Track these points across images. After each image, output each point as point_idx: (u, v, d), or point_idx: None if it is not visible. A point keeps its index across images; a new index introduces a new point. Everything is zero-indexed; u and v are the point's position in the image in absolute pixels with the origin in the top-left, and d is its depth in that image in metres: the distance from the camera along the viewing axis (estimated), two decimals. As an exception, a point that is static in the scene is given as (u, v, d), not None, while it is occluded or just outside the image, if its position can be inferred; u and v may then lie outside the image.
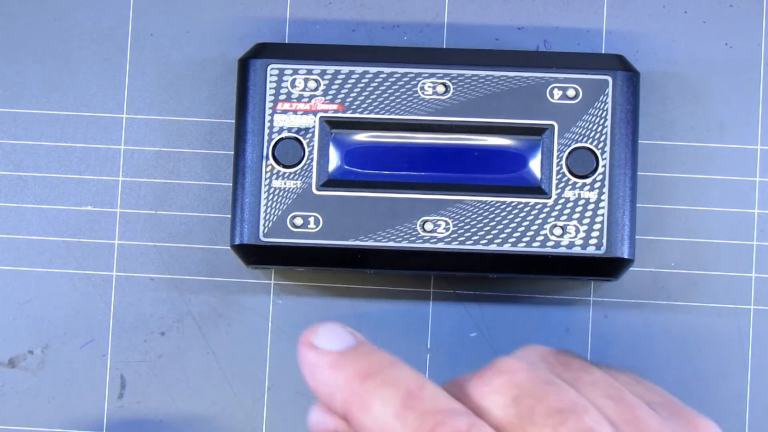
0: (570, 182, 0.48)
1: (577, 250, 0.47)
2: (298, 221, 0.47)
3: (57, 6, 0.51)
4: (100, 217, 0.51)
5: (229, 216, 0.50)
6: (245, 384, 0.51)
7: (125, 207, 0.51)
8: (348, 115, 0.48)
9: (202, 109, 0.51)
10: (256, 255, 0.48)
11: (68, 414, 0.51)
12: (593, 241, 0.47)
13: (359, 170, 0.48)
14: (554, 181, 0.48)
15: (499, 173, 0.48)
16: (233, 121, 0.50)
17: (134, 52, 0.51)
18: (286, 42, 0.50)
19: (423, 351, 0.51)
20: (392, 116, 0.48)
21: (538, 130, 0.48)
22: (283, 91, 0.48)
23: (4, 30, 0.51)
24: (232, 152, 0.49)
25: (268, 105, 0.48)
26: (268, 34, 0.51)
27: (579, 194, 0.47)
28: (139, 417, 0.51)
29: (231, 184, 0.49)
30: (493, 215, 0.47)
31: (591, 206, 0.47)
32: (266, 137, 0.48)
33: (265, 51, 0.48)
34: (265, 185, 0.48)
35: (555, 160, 0.48)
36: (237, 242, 0.48)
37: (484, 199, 0.47)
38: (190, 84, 0.51)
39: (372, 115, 0.48)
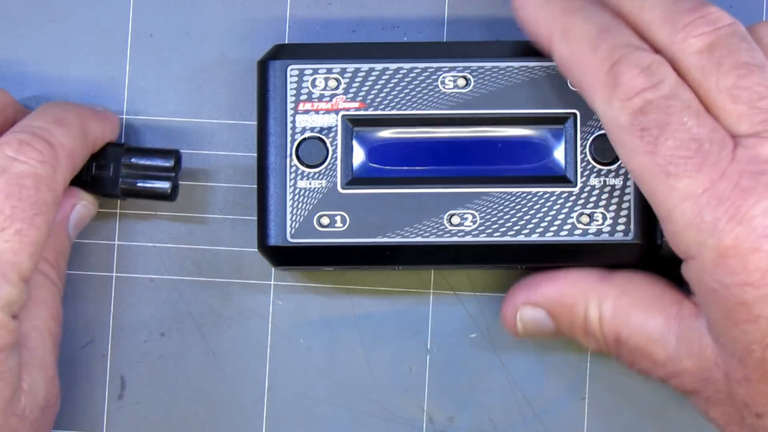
0: (595, 169, 0.47)
1: (605, 237, 0.47)
2: (325, 221, 0.47)
3: (57, 6, 0.51)
4: (100, 217, 0.51)
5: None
6: (245, 384, 0.51)
7: (125, 207, 0.51)
8: (370, 112, 0.47)
9: (202, 110, 0.51)
10: (284, 256, 0.48)
11: (68, 414, 0.51)
12: (621, 227, 0.47)
13: (384, 167, 0.48)
14: (579, 169, 0.47)
15: (524, 164, 0.48)
16: (233, 121, 0.50)
17: (134, 52, 0.51)
18: (305, 42, 0.50)
19: (423, 351, 0.51)
20: (414, 112, 0.47)
21: (561, 119, 0.47)
22: (303, 91, 0.47)
23: (4, 30, 0.51)
24: (255, 154, 0.48)
25: (290, 106, 0.47)
26: (268, 35, 0.51)
27: (604, 181, 0.47)
28: (139, 417, 0.51)
29: (256, 187, 0.49)
30: (519, 206, 0.47)
31: (617, 193, 0.47)
32: (289, 138, 0.47)
33: (284, 52, 0.48)
34: (290, 186, 0.47)
35: (579, 148, 0.47)
36: (265, 244, 0.47)
37: (509, 190, 0.47)
38: (189, 84, 0.51)
39: (394, 112, 0.47)
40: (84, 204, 0.48)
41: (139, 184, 0.48)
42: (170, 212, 0.51)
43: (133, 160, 0.48)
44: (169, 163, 0.48)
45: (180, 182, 0.50)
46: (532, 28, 0.45)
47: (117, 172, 0.48)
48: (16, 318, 0.43)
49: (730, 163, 0.41)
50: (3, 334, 0.42)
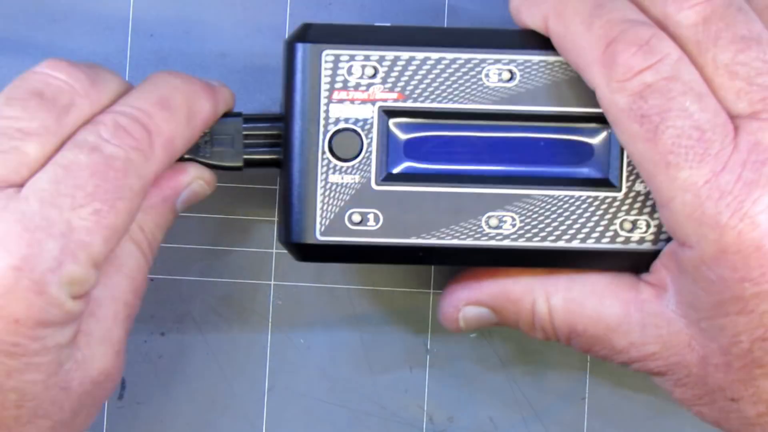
0: (639, 174, 0.44)
1: (647, 246, 0.45)
2: (357, 218, 0.44)
3: (57, 6, 0.51)
4: (100, 217, 0.51)
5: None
6: (245, 384, 0.51)
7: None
8: (409, 104, 0.44)
9: (202, 110, 0.51)
10: (312, 253, 0.45)
11: (68, 414, 0.51)
12: (663, 236, 0.44)
13: (421, 164, 0.45)
14: (624, 174, 0.45)
15: (567, 165, 0.45)
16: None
17: (134, 52, 0.51)
18: (336, 23, 0.46)
19: (423, 351, 0.51)
20: (455, 105, 0.44)
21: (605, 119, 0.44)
22: (339, 79, 0.44)
23: (4, 30, 0.51)
24: (282, 145, 0.46)
25: (323, 94, 0.44)
26: (268, 35, 0.51)
27: (647, 187, 0.44)
28: (139, 417, 0.51)
29: (281, 178, 0.46)
30: (561, 210, 0.44)
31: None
32: (321, 129, 0.44)
33: (315, 33, 0.45)
34: (321, 180, 0.44)
35: (624, 151, 0.44)
36: (290, 241, 0.45)
37: (551, 193, 0.44)
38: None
39: (434, 105, 0.44)
40: (200, 183, 0.45)
41: (262, 154, 0.46)
42: (170, 212, 0.51)
43: (252, 129, 0.45)
44: None
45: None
46: (526, 12, 0.44)
47: (237, 144, 0.45)
48: (78, 299, 0.40)
49: (732, 153, 0.40)
50: (55, 312, 0.40)
